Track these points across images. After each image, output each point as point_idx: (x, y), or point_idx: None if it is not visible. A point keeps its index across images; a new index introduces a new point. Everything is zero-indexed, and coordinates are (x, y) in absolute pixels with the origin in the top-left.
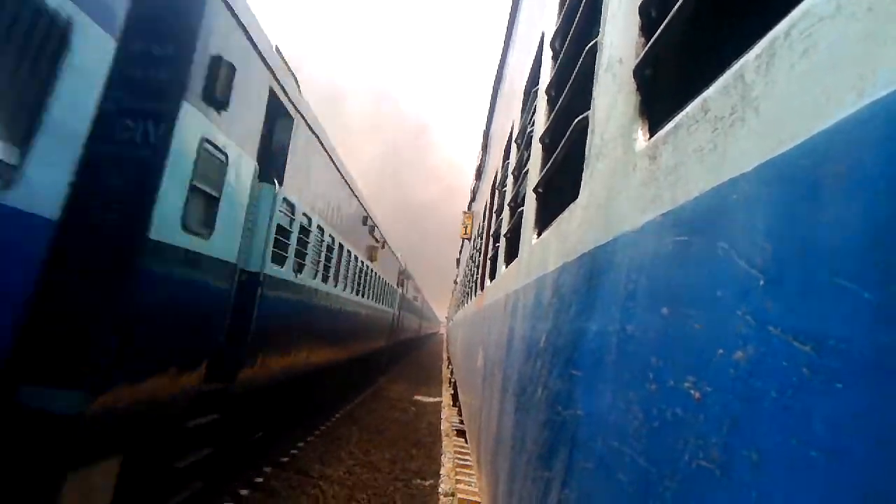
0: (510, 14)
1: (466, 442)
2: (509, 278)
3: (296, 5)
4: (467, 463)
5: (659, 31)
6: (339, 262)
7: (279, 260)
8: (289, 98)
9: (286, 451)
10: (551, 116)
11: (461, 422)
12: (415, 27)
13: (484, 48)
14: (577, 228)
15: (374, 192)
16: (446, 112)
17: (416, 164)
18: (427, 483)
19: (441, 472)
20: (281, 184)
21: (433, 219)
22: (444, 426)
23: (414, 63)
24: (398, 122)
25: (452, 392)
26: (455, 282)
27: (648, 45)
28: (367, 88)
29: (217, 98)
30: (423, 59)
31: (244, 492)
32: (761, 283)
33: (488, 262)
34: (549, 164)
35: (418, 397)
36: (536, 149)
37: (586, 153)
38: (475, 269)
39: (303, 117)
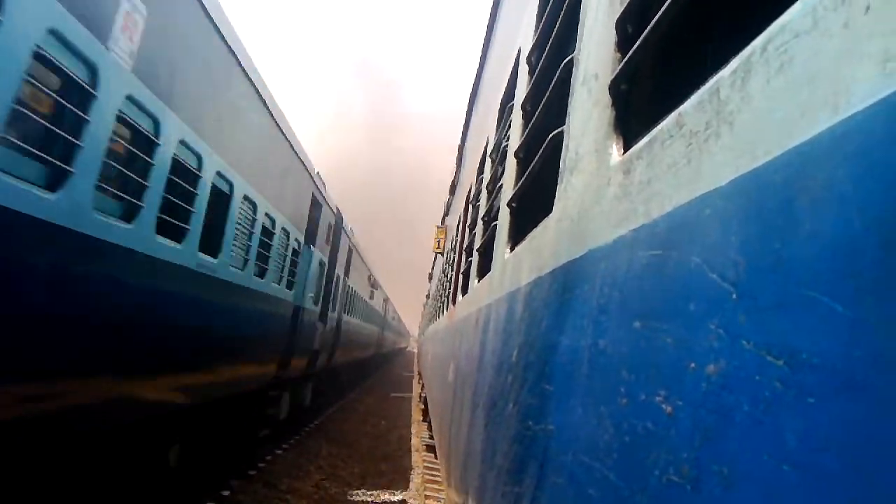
0: (487, 29)
1: (436, 457)
2: (481, 293)
3: None
4: (437, 478)
5: (635, 46)
6: None
7: None
8: None
9: (254, 463)
10: (526, 131)
11: (431, 437)
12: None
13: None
14: (551, 243)
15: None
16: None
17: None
18: (396, 498)
19: (410, 486)
20: None
21: (406, 229)
22: (413, 441)
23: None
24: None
25: (423, 407)
26: (427, 296)
27: (624, 60)
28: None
29: None
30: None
31: None
32: (734, 296)
33: (461, 276)
34: (523, 179)
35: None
36: (511, 163)
37: (560, 168)
38: (447, 284)
39: None
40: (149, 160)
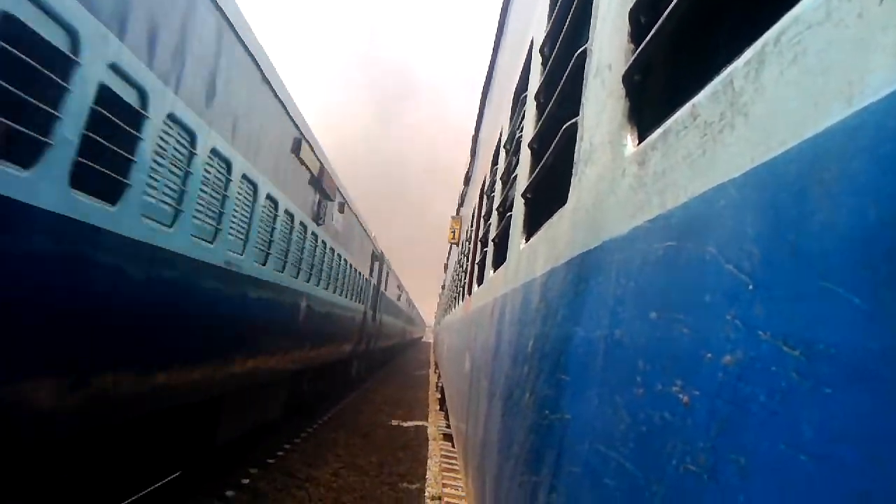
0: (499, 20)
1: (453, 446)
2: (497, 283)
3: None
4: (454, 467)
5: (648, 36)
6: None
7: None
8: None
9: (272, 452)
10: (540, 122)
11: (447, 426)
12: None
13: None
14: (565, 233)
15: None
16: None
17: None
18: (414, 486)
19: (427, 475)
20: None
21: (424, 220)
22: (430, 430)
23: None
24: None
25: (439, 396)
26: (442, 286)
27: (638, 50)
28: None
29: None
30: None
31: (230, 493)
32: (750, 287)
33: (476, 267)
34: (537, 170)
35: None
36: (525, 154)
37: (575, 159)
38: (462, 274)
39: None
40: None
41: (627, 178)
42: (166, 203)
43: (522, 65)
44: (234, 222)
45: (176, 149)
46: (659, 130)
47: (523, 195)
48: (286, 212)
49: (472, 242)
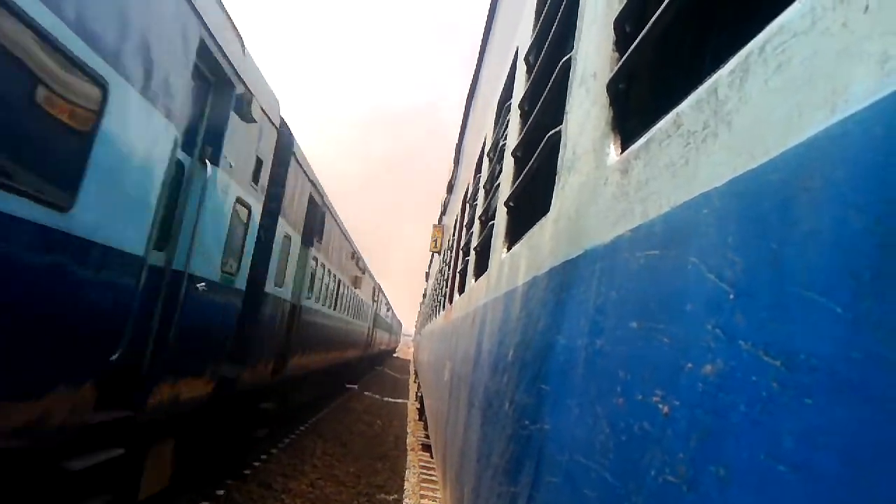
0: (485, 29)
1: (432, 457)
2: (478, 292)
3: None
4: (432, 478)
5: (633, 45)
6: None
7: None
8: None
9: (248, 463)
10: (524, 130)
11: (427, 436)
12: None
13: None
14: (548, 242)
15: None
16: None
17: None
18: (391, 498)
19: (405, 486)
20: None
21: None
22: (409, 440)
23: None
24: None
25: (419, 406)
26: (424, 295)
27: (622, 59)
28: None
29: None
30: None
31: None
32: (731, 297)
33: (457, 275)
34: (520, 178)
35: None
36: (508, 162)
37: (558, 167)
38: (444, 283)
39: None
40: None
41: (610, 187)
42: None
43: (507, 73)
44: None
45: None
46: (642, 139)
47: (506, 203)
48: None
49: (454, 251)
